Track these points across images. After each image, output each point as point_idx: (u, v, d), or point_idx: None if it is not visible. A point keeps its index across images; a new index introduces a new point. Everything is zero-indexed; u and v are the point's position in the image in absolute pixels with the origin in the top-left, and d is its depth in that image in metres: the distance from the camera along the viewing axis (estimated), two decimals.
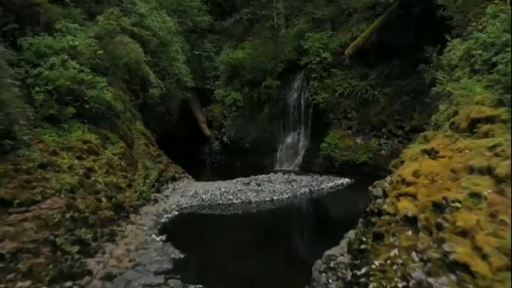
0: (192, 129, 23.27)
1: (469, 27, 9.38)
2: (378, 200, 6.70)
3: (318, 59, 18.12)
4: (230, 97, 21.51)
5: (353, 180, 14.82)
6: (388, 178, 7.14)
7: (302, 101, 19.49)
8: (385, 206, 6.03)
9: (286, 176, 14.34)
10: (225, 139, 21.64)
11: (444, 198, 4.84)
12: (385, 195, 6.47)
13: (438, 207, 4.95)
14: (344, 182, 14.39)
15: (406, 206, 5.52)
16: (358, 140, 17.10)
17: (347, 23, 18.60)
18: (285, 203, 11.60)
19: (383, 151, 16.44)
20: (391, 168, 7.36)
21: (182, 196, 11.45)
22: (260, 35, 22.13)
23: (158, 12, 18.09)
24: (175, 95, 19.57)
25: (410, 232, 5.22)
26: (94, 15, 13.47)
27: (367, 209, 7.08)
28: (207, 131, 22.74)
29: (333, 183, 13.92)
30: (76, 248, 5.99)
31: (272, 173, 14.80)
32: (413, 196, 5.62)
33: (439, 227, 4.68)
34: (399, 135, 16.00)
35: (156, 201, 10.50)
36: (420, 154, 6.69)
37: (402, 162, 7.08)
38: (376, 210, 6.47)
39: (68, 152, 8.67)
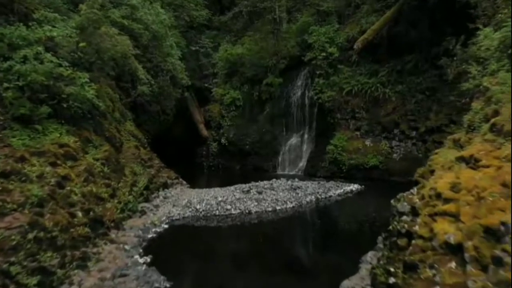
0: (189, 130, 22.28)
1: (499, 15, 8.39)
2: (405, 218, 5.66)
3: (323, 54, 17.09)
4: (228, 95, 20.48)
5: (363, 186, 13.78)
6: (415, 190, 6.10)
7: (306, 100, 18.46)
8: (417, 228, 4.99)
9: (289, 182, 13.29)
10: (223, 140, 20.60)
11: (503, 224, 3.79)
12: (414, 212, 5.43)
13: (492, 234, 3.92)
14: (354, 189, 13.35)
15: (446, 230, 4.48)
16: (368, 142, 16.07)
17: (355, 15, 17.58)
18: (289, 213, 10.57)
19: (395, 155, 15.42)
20: (418, 178, 6.31)
21: (174, 206, 10.41)
22: (260, 30, 21.11)
23: (151, 4, 17.06)
24: (170, 94, 18.61)
25: (453, 264, 4.19)
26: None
27: (390, 227, 6.05)
28: (204, 132, 21.72)
29: (342, 190, 12.87)
30: (35, 280, 4.96)
31: (274, 179, 13.75)
32: (454, 217, 4.58)
33: (498, 261, 3.64)
34: (413, 137, 14.96)
35: (143, 212, 9.45)
36: (455, 162, 5.65)
37: (432, 171, 6.04)
38: (403, 231, 5.43)
39: (40, 158, 7.64)
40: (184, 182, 13.82)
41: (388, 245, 5.68)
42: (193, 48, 23.61)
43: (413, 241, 4.90)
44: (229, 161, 20.74)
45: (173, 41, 18.70)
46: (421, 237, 4.82)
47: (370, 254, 6.24)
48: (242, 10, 22.38)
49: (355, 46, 14.90)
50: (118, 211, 8.43)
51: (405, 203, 5.93)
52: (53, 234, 5.99)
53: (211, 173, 20.20)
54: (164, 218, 9.37)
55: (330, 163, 16.33)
